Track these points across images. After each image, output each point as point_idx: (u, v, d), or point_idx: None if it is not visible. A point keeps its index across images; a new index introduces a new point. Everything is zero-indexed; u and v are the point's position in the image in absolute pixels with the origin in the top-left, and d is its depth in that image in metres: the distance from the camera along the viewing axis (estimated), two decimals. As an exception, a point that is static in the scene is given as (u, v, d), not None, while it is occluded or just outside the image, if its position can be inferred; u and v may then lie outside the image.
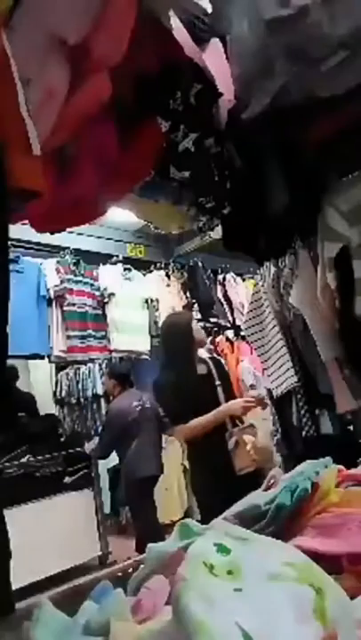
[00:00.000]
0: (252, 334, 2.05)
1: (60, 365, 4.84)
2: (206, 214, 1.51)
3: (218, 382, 2.28)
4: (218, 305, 4.69)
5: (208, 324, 4.72)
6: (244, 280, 4.84)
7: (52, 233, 1.43)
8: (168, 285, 4.44)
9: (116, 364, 4.05)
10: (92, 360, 4.11)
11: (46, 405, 4.78)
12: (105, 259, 4.14)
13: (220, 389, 2.26)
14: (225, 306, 4.72)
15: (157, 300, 4.25)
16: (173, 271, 4.59)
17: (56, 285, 3.55)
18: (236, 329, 4.62)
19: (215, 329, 4.75)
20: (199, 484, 2.28)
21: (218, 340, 4.69)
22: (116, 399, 3.75)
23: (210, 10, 1.19)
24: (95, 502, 3.96)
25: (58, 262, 3.65)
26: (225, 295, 4.74)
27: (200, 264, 4.71)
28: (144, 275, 4.32)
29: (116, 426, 3.53)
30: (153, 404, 3.72)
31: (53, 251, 3.75)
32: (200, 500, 2.27)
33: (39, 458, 3.71)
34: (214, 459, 2.12)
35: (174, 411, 2.24)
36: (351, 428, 1.84)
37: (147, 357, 4.15)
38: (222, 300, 4.73)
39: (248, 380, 4.20)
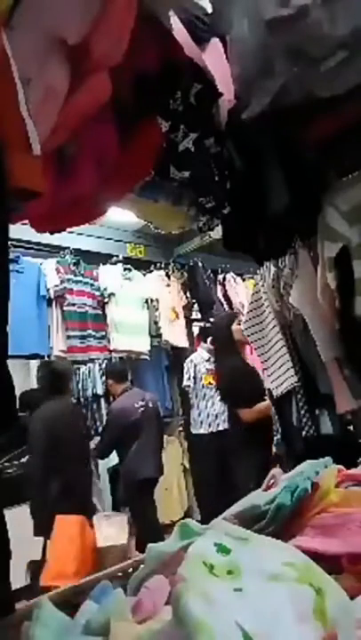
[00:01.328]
0: (252, 334, 2.05)
1: (60, 365, 4.83)
2: (206, 214, 1.51)
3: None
4: (218, 305, 4.68)
5: (208, 324, 4.72)
6: (244, 280, 4.84)
7: (51, 233, 1.42)
8: (168, 285, 4.44)
9: (113, 363, 4.01)
10: (91, 360, 4.10)
11: (46, 405, 4.77)
12: (105, 259, 4.14)
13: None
14: (225, 306, 4.72)
15: (157, 300, 4.25)
16: (173, 271, 4.58)
17: (56, 285, 3.55)
18: (236, 329, 4.61)
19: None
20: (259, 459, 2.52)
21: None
22: (119, 399, 3.71)
23: (210, 10, 1.19)
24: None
25: (58, 262, 3.65)
26: (225, 295, 4.74)
27: (200, 264, 4.70)
28: (144, 275, 4.32)
29: (116, 426, 3.51)
30: (155, 404, 3.70)
31: (53, 251, 3.75)
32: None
33: (39, 458, 3.70)
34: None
35: (245, 396, 2.68)
36: (351, 427, 1.84)
37: (146, 357, 4.15)
38: (222, 299, 4.73)
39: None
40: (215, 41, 1.31)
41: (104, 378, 4.06)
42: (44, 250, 3.72)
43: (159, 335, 4.21)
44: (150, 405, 3.58)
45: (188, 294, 4.55)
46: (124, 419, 3.48)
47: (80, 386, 4.89)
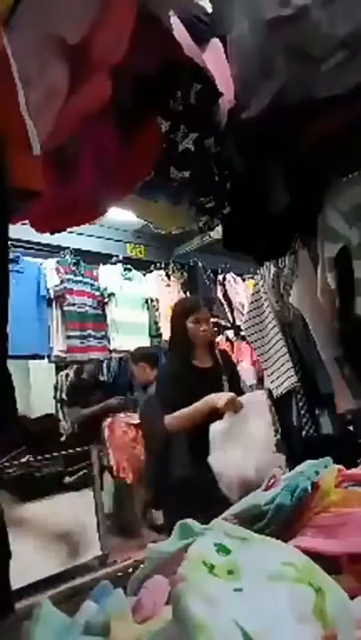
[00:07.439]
0: (252, 334, 2.05)
1: (61, 365, 4.84)
2: (206, 214, 1.51)
3: (225, 377, 2.27)
4: (218, 305, 4.68)
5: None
6: (244, 280, 4.84)
7: (52, 233, 1.42)
8: (168, 285, 4.44)
9: (142, 347, 3.65)
10: (91, 360, 4.10)
11: (46, 405, 4.78)
12: (105, 259, 4.14)
13: (226, 384, 2.25)
14: (225, 306, 4.72)
15: (157, 300, 4.25)
16: (173, 271, 4.58)
17: (56, 285, 3.55)
18: (236, 329, 4.62)
19: (215, 329, 4.75)
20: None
21: (218, 340, 4.70)
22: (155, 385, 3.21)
23: (210, 10, 1.19)
24: (95, 502, 3.96)
25: (58, 262, 3.65)
26: (225, 295, 4.74)
27: (200, 264, 4.71)
28: (144, 275, 4.32)
29: None
30: None
31: (53, 251, 3.75)
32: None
33: (39, 458, 3.70)
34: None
35: (164, 401, 2.19)
36: (351, 427, 1.84)
37: (146, 357, 4.14)
38: (222, 299, 4.73)
39: (248, 380, 4.20)
40: (215, 41, 1.31)
41: (132, 367, 3.65)
42: (44, 250, 3.72)
43: (159, 335, 4.21)
44: None
45: (188, 294, 4.56)
46: None
47: (80, 386, 4.89)
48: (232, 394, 2.02)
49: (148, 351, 3.58)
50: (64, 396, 5.04)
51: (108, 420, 3.89)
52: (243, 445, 1.86)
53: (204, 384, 2.19)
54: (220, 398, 1.99)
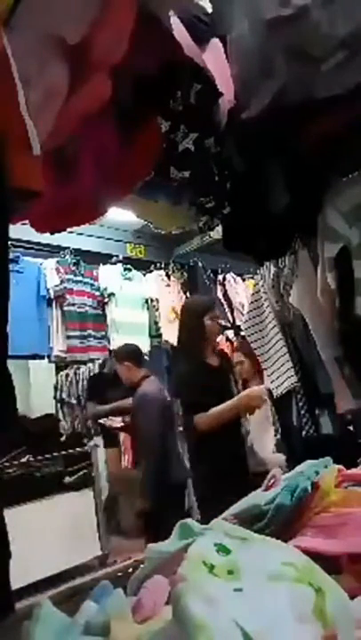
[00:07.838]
0: (252, 334, 2.05)
1: (61, 365, 4.84)
2: (206, 214, 1.51)
3: (231, 375, 2.33)
4: (218, 305, 4.68)
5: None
6: (244, 280, 4.84)
7: (52, 233, 1.43)
8: (168, 285, 4.44)
9: (125, 345, 3.41)
10: (91, 360, 4.11)
11: (46, 405, 4.78)
12: (105, 259, 4.14)
13: (233, 383, 2.31)
14: (225, 306, 4.72)
15: (157, 300, 4.25)
16: (173, 271, 4.58)
17: (56, 285, 3.55)
18: (236, 329, 4.61)
19: (215, 329, 4.75)
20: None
21: (218, 340, 4.69)
22: (144, 386, 3.12)
23: (210, 10, 1.19)
24: (95, 502, 3.96)
25: (58, 262, 3.65)
26: (225, 295, 4.74)
27: (200, 264, 4.71)
28: (144, 275, 4.32)
29: (155, 413, 2.99)
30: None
31: (53, 251, 3.75)
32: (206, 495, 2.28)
33: (39, 458, 3.70)
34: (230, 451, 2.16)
35: (193, 403, 2.25)
36: (351, 427, 1.84)
37: (146, 357, 4.14)
38: (222, 299, 4.73)
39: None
40: (215, 41, 1.31)
41: (116, 366, 3.48)
42: (44, 250, 3.72)
43: (159, 335, 4.21)
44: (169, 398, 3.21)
45: (188, 294, 4.56)
46: (159, 409, 2.99)
47: (80, 386, 4.90)
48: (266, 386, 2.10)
49: (132, 349, 3.33)
50: (64, 396, 5.05)
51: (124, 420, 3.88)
52: (270, 430, 2.02)
53: (216, 382, 2.25)
54: (260, 391, 2.08)
